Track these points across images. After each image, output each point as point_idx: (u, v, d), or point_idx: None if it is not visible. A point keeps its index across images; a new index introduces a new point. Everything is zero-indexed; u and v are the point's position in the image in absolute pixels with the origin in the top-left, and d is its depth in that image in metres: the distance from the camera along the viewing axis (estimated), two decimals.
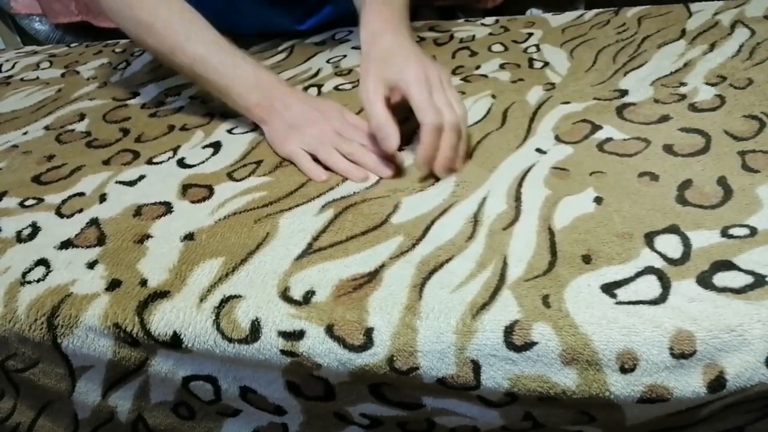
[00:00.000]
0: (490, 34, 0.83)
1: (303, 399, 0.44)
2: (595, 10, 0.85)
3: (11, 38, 1.36)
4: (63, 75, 0.91)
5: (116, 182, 0.58)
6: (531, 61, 0.73)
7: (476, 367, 0.38)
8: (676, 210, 0.45)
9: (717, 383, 0.36)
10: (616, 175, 0.50)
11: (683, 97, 0.59)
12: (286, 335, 0.40)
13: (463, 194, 0.50)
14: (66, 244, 0.50)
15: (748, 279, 0.38)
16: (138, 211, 0.53)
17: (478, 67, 0.73)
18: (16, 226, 0.54)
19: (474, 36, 0.83)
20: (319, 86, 0.73)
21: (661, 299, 0.38)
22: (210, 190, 0.55)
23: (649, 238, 0.43)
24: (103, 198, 0.56)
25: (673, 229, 0.43)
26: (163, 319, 0.42)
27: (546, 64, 0.72)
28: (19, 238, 0.52)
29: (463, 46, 0.80)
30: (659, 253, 0.41)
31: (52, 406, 0.53)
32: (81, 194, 0.57)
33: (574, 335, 0.37)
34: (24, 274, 0.48)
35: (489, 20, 0.88)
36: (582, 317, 0.37)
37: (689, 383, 0.36)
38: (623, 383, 0.36)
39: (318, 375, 0.41)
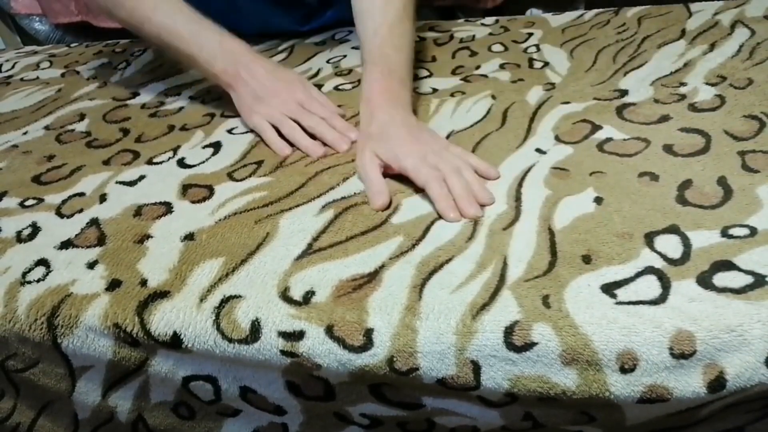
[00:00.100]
0: (490, 34, 0.83)
1: (303, 399, 0.44)
2: (595, 10, 0.85)
3: (11, 38, 1.36)
4: (63, 75, 0.91)
5: (116, 182, 0.58)
6: (531, 61, 0.73)
7: (476, 367, 0.38)
8: (676, 210, 0.45)
9: (717, 383, 0.36)
10: (616, 175, 0.50)
11: (683, 97, 0.59)
12: (286, 335, 0.40)
13: None
14: (66, 244, 0.50)
15: (748, 279, 0.38)
16: (138, 211, 0.53)
17: (478, 67, 0.73)
18: (16, 226, 0.54)
19: (474, 36, 0.83)
20: (319, 86, 0.73)
21: (661, 299, 0.38)
22: (210, 190, 0.55)
23: (649, 238, 0.43)
24: (103, 198, 0.56)
25: (673, 229, 0.43)
26: (163, 319, 0.42)
27: (546, 64, 0.72)
28: (19, 238, 0.52)
29: (463, 46, 0.80)
30: (659, 253, 0.41)
31: (52, 406, 0.53)
32: (81, 194, 0.57)
33: (574, 335, 0.37)
34: (24, 274, 0.48)
35: (489, 20, 0.88)
36: (582, 317, 0.37)
37: (689, 383, 0.36)
38: (623, 383, 0.36)
39: (318, 375, 0.41)
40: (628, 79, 0.65)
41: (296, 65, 0.81)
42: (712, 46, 0.68)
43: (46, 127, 0.73)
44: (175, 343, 0.42)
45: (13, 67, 0.97)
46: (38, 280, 0.47)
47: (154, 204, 0.54)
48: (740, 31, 0.71)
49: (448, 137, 0.59)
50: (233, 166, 0.59)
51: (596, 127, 0.56)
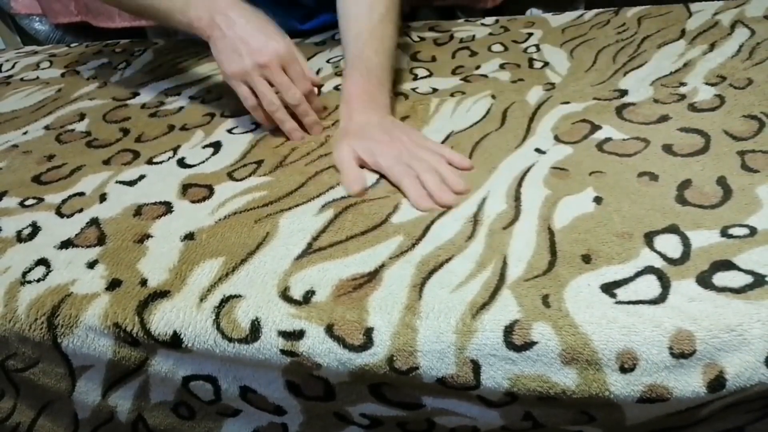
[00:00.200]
0: (490, 34, 0.83)
1: (303, 399, 0.44)
2: (595, 10, 0.85)
3: (11, 38, 1.36)
4: (63, 75, 0.91)
5: (116, 182, 0.58)
6: (531, 61, 0.73)
7: (476, 366, 0.38)
8: (675, 210, 0.45)
9: (717, 383, 0.36)
10: (615, 175, 0.50)
11: (683, 97, 0.59)
12: (286, 335, 0.40)
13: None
14: (66, 244, 0.50)
15: (748, 279, 0.38)
16: (138, 210, 0.53)
17: (478, 67, 0.73)
18: (16, 226, 0.54)
19: (474, 36, 0.83)
20: (320, 86, 0.73)
21: (660, 299, 0.38)
22: (210, 190, 0.55)
23: (649, 238, 0.43)
24: (103, 198, 0.56)
25: (672, 229, 0.43)
26: (163, 319, 0.42)
27: (546, 64, 0.72)
28: (19, 238, 0.52)
29: (463, 46, 0.80)
30: (659, 252, 0.41)
31: (52, 406, 0.53)
32: (81, 194, 0.57)
33: (574, 335, 0.37)
34: (24, 274, 0.48)
35: (489, 20, 0.88)
36: (582, 317, 0.37)
37: (689, 383, 0.36)
38: (623, 383, 0.36)
39: (318, 375, 0.41)
40: (627, 79, 0.65)
41: None
42: (712, 46, 0.68)
43: (46, 127, 0.73)
44: (175, 342, 0.42)
45: (13, 67, 0.98)
46: (38, 280, 0.47)
47: (154, 204, 0.54)
48: (740, 31, 0.71)
49: (447, 137, 0.59)
50: (233, 166, 0.59)
51: (596, 127, 0.56)
